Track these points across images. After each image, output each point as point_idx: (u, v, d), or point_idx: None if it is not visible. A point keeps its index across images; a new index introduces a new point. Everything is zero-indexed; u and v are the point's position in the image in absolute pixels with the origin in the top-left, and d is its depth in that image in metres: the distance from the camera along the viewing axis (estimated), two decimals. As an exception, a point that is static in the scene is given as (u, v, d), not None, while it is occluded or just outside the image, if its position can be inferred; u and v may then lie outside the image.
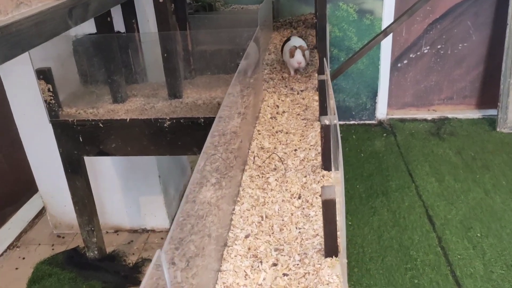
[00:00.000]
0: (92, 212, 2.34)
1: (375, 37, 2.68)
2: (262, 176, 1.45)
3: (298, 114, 1.86)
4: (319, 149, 1.57)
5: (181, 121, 2.03)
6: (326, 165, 1.41)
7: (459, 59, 3.86)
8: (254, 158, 1.54)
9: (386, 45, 3.74)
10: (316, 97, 1.98)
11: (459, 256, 2.46)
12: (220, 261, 1.13)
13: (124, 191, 2.74)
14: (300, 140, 1.67)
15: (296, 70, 2.26)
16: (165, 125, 2.05)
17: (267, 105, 1.95)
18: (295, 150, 1.60)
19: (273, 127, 1.77)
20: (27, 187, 2.90)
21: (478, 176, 3.11)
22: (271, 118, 1.84)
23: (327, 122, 1.33)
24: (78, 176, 2.23)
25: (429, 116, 4.01)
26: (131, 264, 2.50)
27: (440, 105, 4.06)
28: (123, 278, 2.37)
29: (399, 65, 3.91)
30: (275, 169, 1.49)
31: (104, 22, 1.99)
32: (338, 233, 1.07)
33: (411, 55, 3.88)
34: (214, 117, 2.07)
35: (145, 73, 2.38)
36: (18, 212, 2.91)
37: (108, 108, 2.08)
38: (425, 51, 3.86)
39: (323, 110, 1.70)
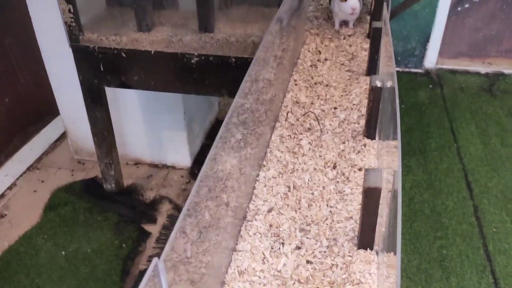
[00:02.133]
0: (111, 144, 2.23)
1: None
2: (294, 137, 1.27)
3: (342, 64, 1.63)
4: (363, 110, 1.36)
5: (210, 58, 1.83)
6: (370, 133, 1.21)
7: (528, 8, 3.42)
8: (287, 114, 1.35)
9: (448, -15, 3.32)
10: (366, 45, 1.73)
11: (494, 229, 2.28)
12: (236, 238, 0.99)
13: (146, 123, 2.61)
14: (342, 96, 1.45)
15: (344, 23, 1.90)
16: (192, 61, 1.85)
17: (307, 49, 1.72)
18: (335, 108, 1.39)
19: (312, 78, 1.55)
20: (50, 108, 2.81)
21: (529, 143, 2.84)
22: (310, 66, 1.62)
23: (378, 84, 1.11)
24: (98, 106, 2.10)
25: (483, 69, 3.64)
26: (148, 200, 2.43)
27: (497, 57, 3.67)
28: (139, 214, 2.31)
29: (459, 9, 3.50)
30: (309, 129, 1.30)
31: None
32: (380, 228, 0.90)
33: (474, -1, 3.45)
34: (247, 58, 1.87)
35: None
36: (40, 133, 2.85)
37: (132, 37, 1.89)
38: (491, -5, 3.42)
39: (372, 65, 1.46)
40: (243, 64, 1.81)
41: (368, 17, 1.90)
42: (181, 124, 2.59)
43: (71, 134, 2.73)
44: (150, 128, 2.64)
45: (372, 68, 1.49)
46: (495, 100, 3.26)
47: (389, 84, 1.08)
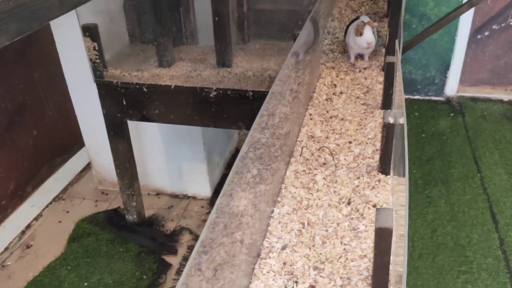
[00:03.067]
0: (133, 176, 2.28)
1: (457, 8, 2.34)
2: (309, 172, 1.28)
3: (358, 97, 1.65)
4: (377, 144, 1.37)
5: (228, 92, 1.88)
6: (384, 169, 1.21)
7: (550, 35, 3.38)
8: (302, 149, 1.37)
9: (467, 14, 3.32)
10: (381, 78, 1.74)
11: (522, 263, 2.22)
12: (250, 277, 1.00)
13: (167, 155, 2.67)
14: (357, 130, 1.47)
15: (359, 56, 1.91)
16: (211, 95, 1.90)
17: (323, 83, 1.74)
18: (350, 142, 1.40)
19: (327, 111, 1.57)
20: (76, 140, 2.90)
21: (556, 172, 2.76)
22: (326, 100, 1.64)
23: (391, 121, 1.12)
24: (120, 139, 2.16)
25: (505, 96, 3.60)
26: (168, 231, 2.45)
27: (520, 85, 3.63)
28: (160, 245, 2.33)
29: (478, 36, 3.49)
30: (324, 164, 1.32)
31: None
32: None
33: (494, 27, 3.44)
34: (264, 92, 1.90)
35: (196, 34, 2.22)
36: (66, 164, 2.94)
37: (153, 72, 1.96)
38: (511, 23, 3.40)
39: (387, 100, 1.48)
40: (260, 98, 1.85)
41: (384, 50, 1.92)
42: (201, 155, 2.64)
43: (96, 165, 2.80)
44: (170, 159, 2.69)
45: (386, 102, 1.50)
46: (519, 128, 3.20)
47: (401, 121, 1.09)
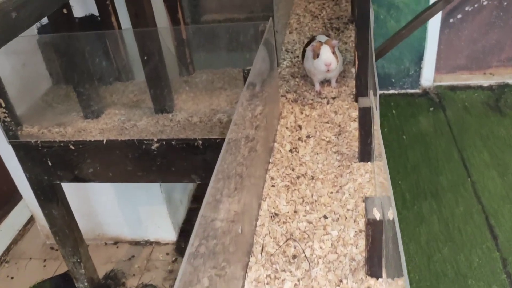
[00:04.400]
0: (76, 241, 1.93)
1: (432, 6, 2.02)
2: (275, 277, 0.96)
3: (329, 142, 1.33)
4: (360, 222, 1.05)
5: (173, 143, 1.54)
6: (374, 271, 0.90)
7: (528, 12, 3.12)
8: (263, 241, 1.05)
9: (437, -2, 3.03)
10: (354, 112, 1.43)
11: (530, 285, 1.97)
12: None
13: (122, 199, 2.32)
14: (332, 194, 1.15)
15: (324, 82, 1.59)
16: (152, 147, 1.55)
17: (285, 126, 1.42)
18: (325, 217, 1.09)
19: (293, 169, 1.25)
20: (11, 193, 2.52)
21: (552, 168, 2.53)
22: (290, 150, 1.32)
23: (377, 216, 0.81)
24: (53, 204, 1.80)
25: (485, 82, 3.34)
26: (129, 295, 2.13)
27: (499, 67, 3.37)
28: (120, 315, 2.00)
29: (451, 20, 3.20)
30: (294, 258, 1.00)
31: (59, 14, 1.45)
32: None
33: (466, 8, 3.15)
34: (217, 140, 1.57)
35: (130, 69, 1.86)
36: (6, 219, 2.56)
37: (79, 127, 1.60)
38: (485, 3, 3.12)
39: (364, 151, 1.16)
40: (212, 146, 1.52)
41: (353, 70, 1.60)
42: (159, 197, 2.30)
43: (39, 218, 2.43)
44: (126, 204, 2.35)
45: (364, 154, 1.19)
46: (504, 118, 2.95)
47: (390, 215, 0.78)
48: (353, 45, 1.69)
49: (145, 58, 1.43)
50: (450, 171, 2.59)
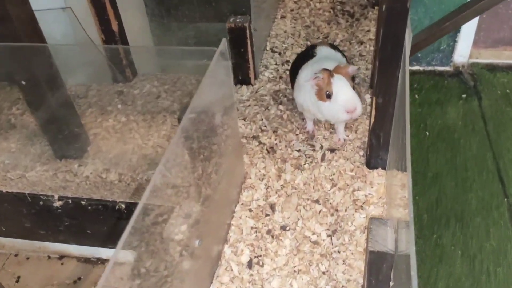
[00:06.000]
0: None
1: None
2: None
3: (316, 245, 0.80)
4: None
5: (82, 203, 1.01)
6: None
7: None
8: None
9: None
10: (362, 184, 0.88)
11: None
12: None
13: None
14: None
15: (319, 121, 1.04)
16: (54, 205, 1.03)
17: (247, 205, 0.88)
18: None
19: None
20: None
21: None
22: (249, 265, 0.79)
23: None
24: None
25: (534, 61, 2.70)
26: None
27: (553, 42, 2.72)
28: None
29: (500, -18, 2.50)
30: None
31: None
32: None
33: (522, -33, 2.45)
34: (135, 203, 1.04)
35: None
36: None
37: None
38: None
39: None
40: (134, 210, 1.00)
41: (367, 97, 1.03)
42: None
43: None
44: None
45: None
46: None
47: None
48: (372, 43, 1.12)
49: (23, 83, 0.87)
50: (482, 186, 2.05)
